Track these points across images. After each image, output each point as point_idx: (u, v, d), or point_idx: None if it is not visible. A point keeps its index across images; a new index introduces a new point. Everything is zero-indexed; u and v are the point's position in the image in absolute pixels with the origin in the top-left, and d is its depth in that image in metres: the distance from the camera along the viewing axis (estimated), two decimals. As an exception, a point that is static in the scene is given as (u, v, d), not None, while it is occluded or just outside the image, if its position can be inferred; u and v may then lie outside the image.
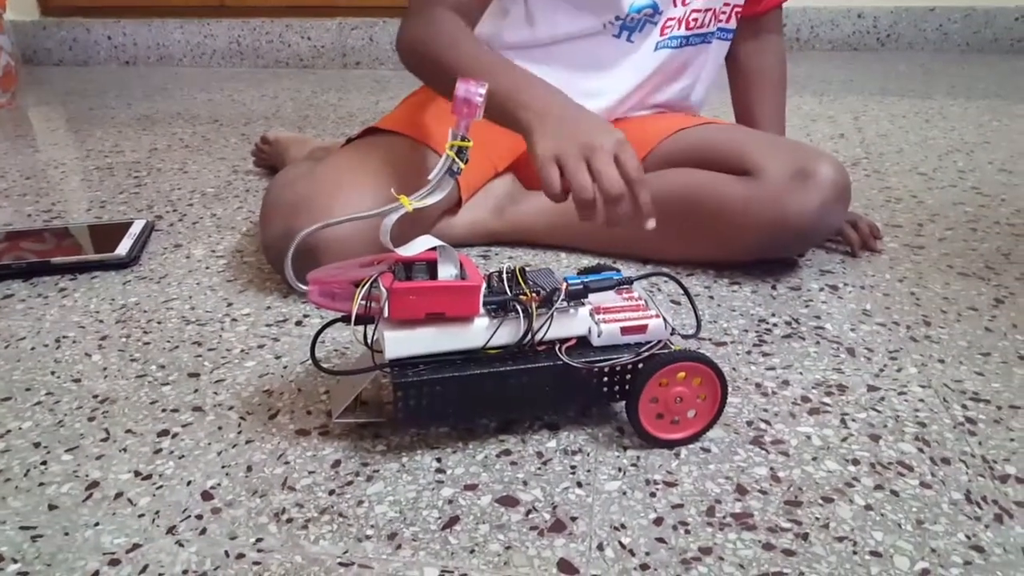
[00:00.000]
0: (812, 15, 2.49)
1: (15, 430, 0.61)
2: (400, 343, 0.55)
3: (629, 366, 0.58)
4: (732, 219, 0.85)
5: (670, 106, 1.05)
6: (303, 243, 0.75)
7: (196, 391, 0.67)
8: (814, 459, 0.58)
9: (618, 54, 0.97)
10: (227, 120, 1.69)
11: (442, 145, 0.57)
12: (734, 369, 0.70)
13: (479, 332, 0.56)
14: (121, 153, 1.44)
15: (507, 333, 0.57)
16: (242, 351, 0.73)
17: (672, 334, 0.60)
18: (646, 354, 0.58)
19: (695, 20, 0.97)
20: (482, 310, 0.56)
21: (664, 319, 0.60)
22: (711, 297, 0.85)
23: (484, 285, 0.56)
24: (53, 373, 0.70)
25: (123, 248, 0.94)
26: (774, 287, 0.87)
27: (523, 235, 0.98)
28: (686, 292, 0.63)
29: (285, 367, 0.70)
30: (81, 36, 2.52)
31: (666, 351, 0.59)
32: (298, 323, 0.79)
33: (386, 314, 0.54)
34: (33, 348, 0.74)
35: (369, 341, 0.59)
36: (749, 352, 0.73)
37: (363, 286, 0.55)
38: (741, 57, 1.05)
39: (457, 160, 0.55)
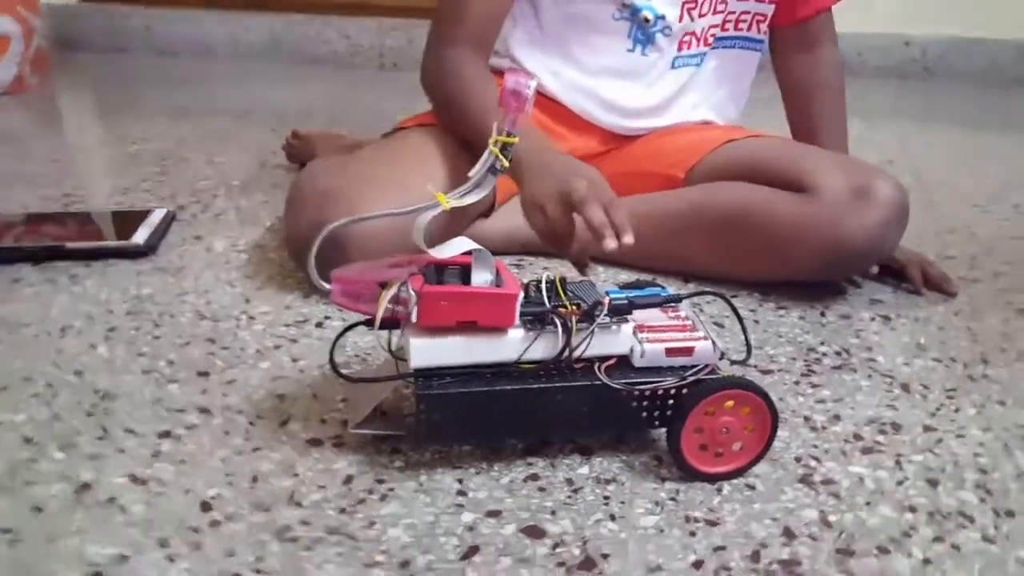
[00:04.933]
0: (858, 41, 2.43)
1: (7, 422, 0.57)
2: (427, 352, 0.51)
3: (673, 391, 0.53)
4: (784, 237, 0.80)
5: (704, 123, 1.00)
6: (329, 238, 0.71)
7: (204, 391, 0.63)
8: (868, 504, 0.53)
9: (635, 67, 0.94)
10: (259, 114, 1.66)
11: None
12: (781, 399, 0.65)
13: (513, 345, 0.52)
14: (148, 141, 1.41)
15: (543, 347, 0.52)
16: (257, 351, 0.69)
17: (720, 358, 0.55)
18: (692, 378, 0.53)
19: (712, 35, 0.94)
20: (517, 321, 0.51)
21: (712, 341, 0.54)
22: (756, 321, 0.79)
23: (521, 294, 0.51)
24: (54, 364, 0.66)
25: (140, 236, 0.90)
26: (823, 314, 0.82)
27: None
28: (736, 314, 0.57)
29: (301, 371, 0.66)
30: (119, 24, 2.51)
31: (714, 376, 0.53)
32: (318, 325, 0.74)
33: (414, 319, 0.50)
34: (36, 336, 0.70)
35: (393, 348, 0.54)
36: (797, 383, 0.68)
37: (391, 288, 0.50)
38: (792, 70, 1.00)
39: (501, 157, 0.51)
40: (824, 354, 0.73)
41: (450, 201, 0.51)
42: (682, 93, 0.96)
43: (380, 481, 0.52)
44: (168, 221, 0.98)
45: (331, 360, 0.52)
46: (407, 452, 0.55)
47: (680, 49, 0.93)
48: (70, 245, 0.87)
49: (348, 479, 0.52)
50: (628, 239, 0.67)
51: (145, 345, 0.70)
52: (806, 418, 0.62)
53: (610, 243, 0.66)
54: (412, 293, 0.49)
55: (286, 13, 2.50)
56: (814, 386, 0.67)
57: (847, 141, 0.99)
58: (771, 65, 1.01)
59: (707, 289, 0.60)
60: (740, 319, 0.57)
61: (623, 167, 0.95)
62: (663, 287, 0.62)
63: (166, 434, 0.57)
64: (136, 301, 0.78)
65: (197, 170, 1.24)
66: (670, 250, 0.87)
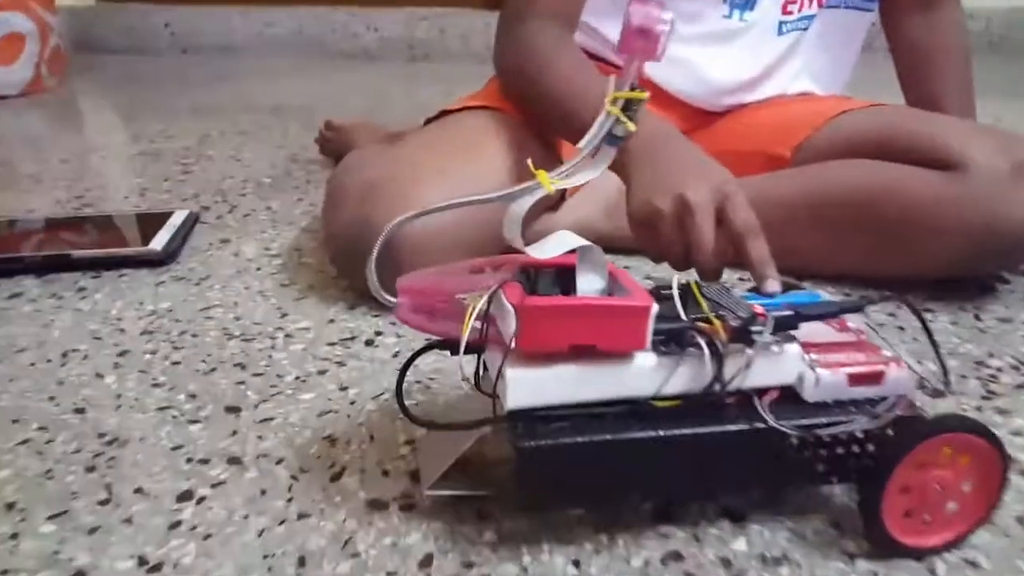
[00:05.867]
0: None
1: (-15, 483, 0.45)
2: (528, 387, 0.37)
3: (866, 436, 0.39)
4: (925, 224, 0.65)
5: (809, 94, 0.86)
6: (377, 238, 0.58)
7: (234, 433, 0.50)
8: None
9: (733, 34, 0.80)
10: (287, 110, 1.55)
11: None
12: (967, 433, 0.50)
13: (644, 375, 0.38)
14: (170, 139, 1.30)
15: (685, 378, 0.38)
16: (297, 379, 0.56)
17: (921, 388, 0.41)
18: (890, 415, 0.39)
19: None
20: (649, 344, 0.38)
21: (908, 365, 0.40)
22: (900, 328, 0.65)
23: (655, 307, 0.37)
24: (52, 399, 0.53)
25: (159, 242, 0.78)
26: (977, 317, 0.67)
27: (640, 241, 0.80)
28: (924, 326, 0.43)
29: (353, 403, 0.53)
30: (139, 23, 2.42)
31: (926, 416, 0.40)
32: (369, 342, 0.61)
33: (512, 344, 0.36)
34: (33, 364, 0.58)
35: (481, 380, 0.41)
36: (979, 408, 0.53)
37: (478, 301, 0.37)
38: (910, 32, 0.85)
39: (624, 119, 0.37)
40: (999, 369, 0.59)
41: (554, 181, 0.38)
42: (784, 62, 0.82)
43: (468, 564, 0.39)
44: (191, 223, 0.86)
45: (400, 402, 0.39)
46: (500, 519, 0.42)
47: (785, 11, 0.79)
48: (76, 254, 0.75)
49: (426, 560, 0.39)
50: (771, 284, 0.50)
51: (162, 373, 0.57)
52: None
53: (773, 287, 0.48)
54: (508, 308, 0.36)
55: (311, 6, 2.39)
56: (1002, 412, 0.53)
57: (975, 112, 0.84)
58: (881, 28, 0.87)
59: (887, 294, 0.47)
60: (929, 333, 0.43)
61: (713, 147, 0.80)
62: (814, 291, 0.48)
63: (186, 495, 0.44)
64: (153, 318, 0.66)
65: (223, 168, 1.12)
66: (780, 244, 0.72)
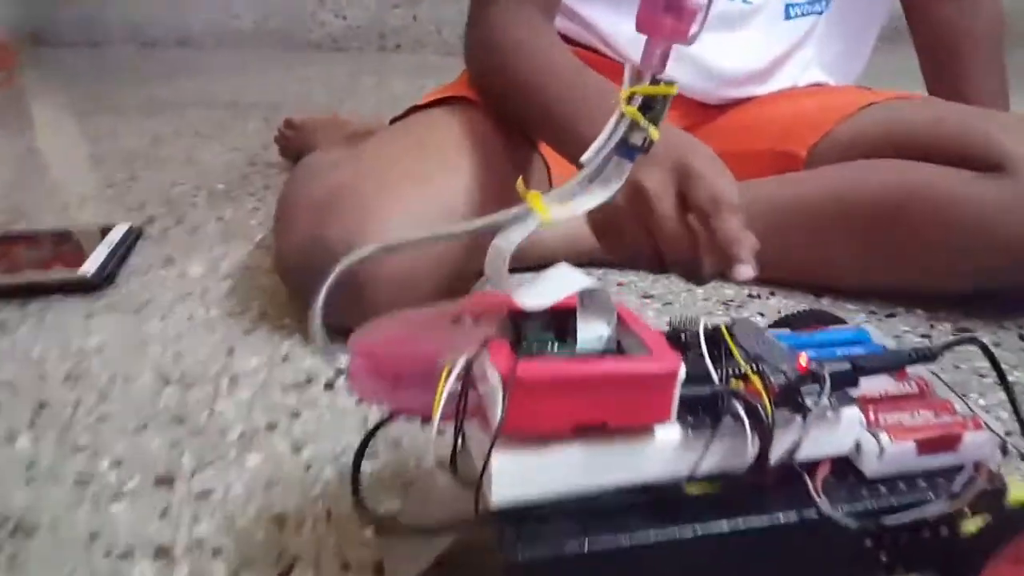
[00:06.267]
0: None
1: None
2: (520, 478, 0.29)
3: (940, 519, 0.31)
4: (967, 231, 0.58)
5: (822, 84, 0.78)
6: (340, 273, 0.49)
7: (165, 513, 0.41)
8: None
9: (735, 19, 0.71)
10: (249, 105, 1.45)
11: None
12: (1037, 485, 0.42)
13: (668, 455, 0.30)
14: (117, 140, 1.20)
15: (722, 454, 0.30)
16: (242, 436, 0.48)
17: (1005, 453, 0.33)
18: (970, 492, 0.31)
19: None
20: (674, 415, 0.29)
21: (987, 424, 0.33)
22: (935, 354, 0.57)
23: (683, 370, 0.29)
24: (-57, 474, 0.44)
25: (92, 264, 0.69)
26: (1023, 337, 0.60)
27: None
28: (999, 372, 0.35)
29: (308, 467, 0.44)
30: (95, 15, 2.29)
31: (1004, 487, 0.32)
32: (328, 385, 0.53)
33: (496, 423, 0.28)
34: (-76, 427, 0.49)
35: (460, 460, 0.32)
36: (1046, 453, 0.46)
37: (453, 366, 0.29)
38: (937, 19, 0.76)
39: (643, 122, 0.28)
40: (1058, 398, 0.51)
41: (552, 208, 0.29)
42: (796, 50, 0.74)
43: None
44: (132, 239, 0.77)
45: (356, 500, 0.30)
46: (488, 632, 0.33)
47: None
48: (-9, 283, 0.65)
49: None
50: (743, 271, 0.43)
51: (85, 431, 0.48)
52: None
53: (745, 273, 0.42)
54: (494, 377, 0.28)
55: (275, -8, 2.28)
56: (1075, 456, 0.45)
57: (1009, 104, 0.76)
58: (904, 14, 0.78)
59: (964, 335, 0.39)
60: (1005, 380, 0.35)
61: (718, 146, 0.72)
62: (859, 328, 0.40)
63: (96, 608, 0.35)
64: (79, 358, 0.57)
65: (174, 172, 1.02)
66: (798, 254, 0.65)
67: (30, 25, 2.23)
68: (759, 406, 0.30)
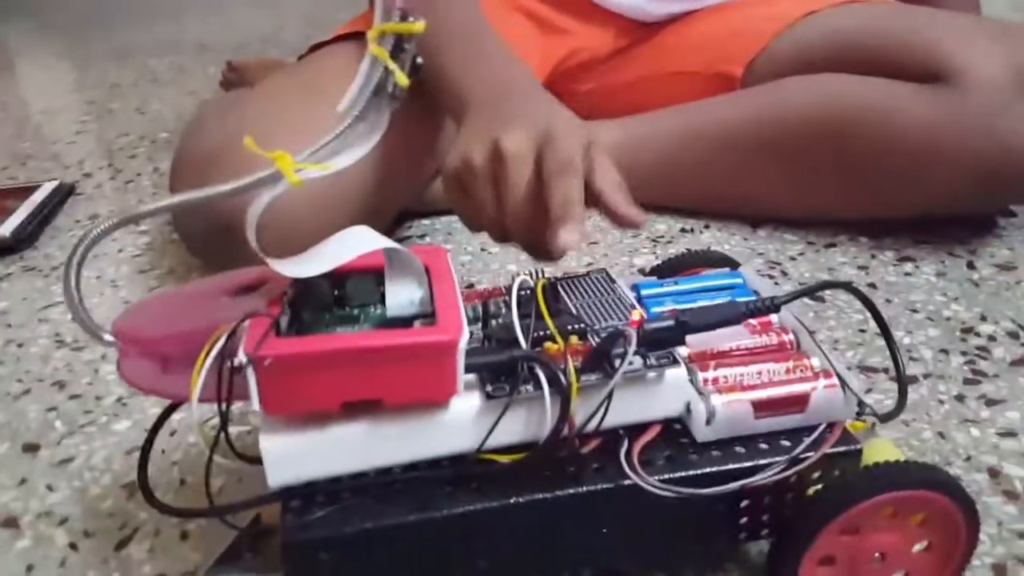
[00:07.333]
0: None
1: None
2: (293, 460, 0.27)
3: (775, 490, 0.28)
4: (913, 150, 0.53)
5: None
6: (218, 222, 0.47)
7: (23, 482, 0.40)
8: None
9: None
10: (215, 45, 1.40)
11: None
12: (940, 435, 0.39)
13: (462, 425, 0.27)
14: (80, 91, 1.17)
15: (520, 424, 0.28)
16: (119, 400, 0.46)
17: (860, 414, 0.30)
18: (811, 457, 0.28)
19: None
20: (462, 382, 0.27)
21: (843, 380, 0.29)
22: (872, 285, 0.53)
23: (464, 336, 0.26)
24: None
25: (9, 225, 0.67)
26: (971, 265, 0.55)
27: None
28: (880, 321, 0.32)
29: (174, 432, 0.43)
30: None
31: (861, 470, 0.29)
32: (218, 345, 0.51)
33: (255, 405, 0.26)
34: None
35: (233, 445, 0.30)
36: (960, 397, 0.42)
37: (208, 350, 0.26)
38: None
39: (393, 67, 0.25)
40: (991, 337, 0.47)
41: (300, 167, 0.26)
42: None
43: None
44: (61, 198, 0.75)
45: (142, 482, 0.28)
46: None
47: None
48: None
49: None
50: (634, 215, 0.39)
51: (-32, 399, 0.47)
52: (993, 472, 0.37)
53: (566, 236, 0.37)
54: (242, 356, 0.25)
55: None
56: (991, 402, 0.42)
57: (980, 9, 0.70)
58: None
59: (830, 281, 0.35)
60: (885, 329, 0.31)
61: (652, 67, 0.68)
62: (735, 265, 0.37)
63: (-74, 587, 0.34)
64: (-16, 324, 0.56)
65: (123, 123, 1.00)
66: (728, 184, 0.60)
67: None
68: (557, 368, 0.27)
